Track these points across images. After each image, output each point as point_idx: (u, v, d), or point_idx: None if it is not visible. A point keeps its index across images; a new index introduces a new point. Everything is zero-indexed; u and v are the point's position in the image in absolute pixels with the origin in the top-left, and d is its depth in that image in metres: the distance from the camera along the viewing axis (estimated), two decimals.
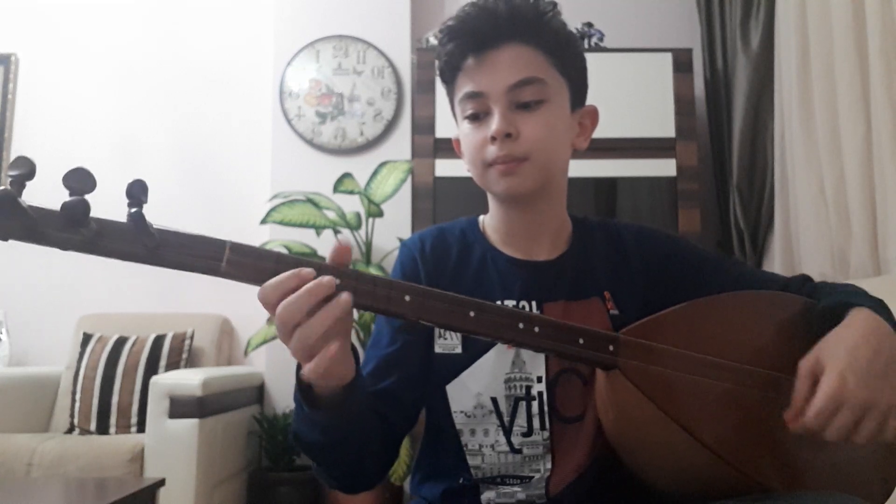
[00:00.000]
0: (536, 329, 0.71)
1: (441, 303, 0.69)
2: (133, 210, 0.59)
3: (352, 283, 0.65)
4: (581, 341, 0.74)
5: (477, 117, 0.88)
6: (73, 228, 0.58)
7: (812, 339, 0.79)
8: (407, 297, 0.67)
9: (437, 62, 0.93)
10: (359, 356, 0.73)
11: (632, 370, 0.75)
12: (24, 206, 0.56)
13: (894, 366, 0.77)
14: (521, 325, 0.71)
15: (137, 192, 0.59)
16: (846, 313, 0.81)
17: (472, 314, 0.69)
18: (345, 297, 0.63)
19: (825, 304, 0.85)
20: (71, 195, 0.57)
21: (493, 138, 0.85)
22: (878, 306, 0.83)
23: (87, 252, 0.59)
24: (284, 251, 2.72)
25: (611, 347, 0.75)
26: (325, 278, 0.62)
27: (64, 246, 0.58)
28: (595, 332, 0.75)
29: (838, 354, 0.75)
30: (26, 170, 0.57)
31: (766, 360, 0.81)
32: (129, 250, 0.60)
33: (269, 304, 0.62)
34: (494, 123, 0.85)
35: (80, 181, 0.57)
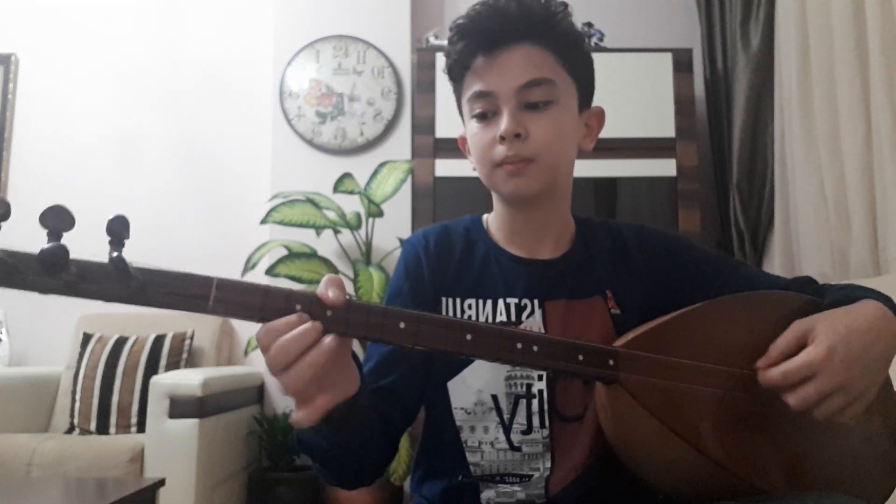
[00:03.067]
0: (535, 348, 0.71)
1: (436, 328, 0.68)
2: (114, 254, 0.58)
3: (343, 315, 0.64)
4: (580, 357, 0.73)
5: (485, 117, 0.88)
6: (52, 274, 0.56)
7: None
8: (401, 325, 0.66)
9: (445, 60, 0.92)
10: (360, 364, 0.73)
11: (632, 384, 0.74)
12: None
13: (884, 361, 0.77)
14: (519, 346, 0.70)
15: (119, 229, 0.58)
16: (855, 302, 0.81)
17: (468, 337, 0.68)
18: (328, 340, 0.62)
19: (833, 298, 0.85)
20: (49, 236, 0.55)
21: (502, 138, 0.85)
22: (887, 301, 0.83)
23: (70, 295, 0.58)
24: (284, 251, 2.74)
25: (611, 362, 0.74)
26: (310, 325, 0.62)
27: (45, 291, 0.57)
28: (595, 348, 0.75)
29: (836, 329, 0.75)
30: (1, 211, 0.55)
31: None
32: (112, 293, 0.58)
33: (264, 348, 0.63)
34: (503, 123, 0.85)
35: (57, 220, 0.55)
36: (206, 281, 0.62)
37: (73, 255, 0.57)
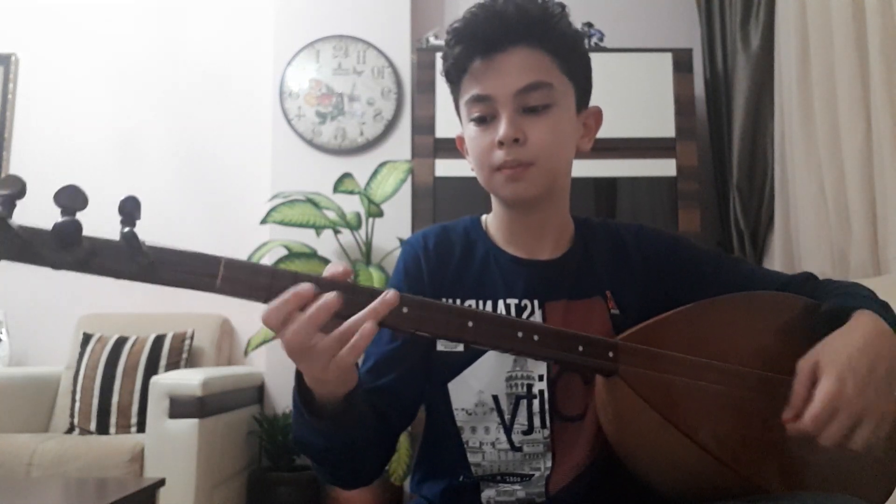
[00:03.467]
0: (536, 337, 0.71)
1: (439, 314, 0.68)
2: (126, 229, 0.59)
3: (348, 298, 0.64)
4: (581, 348, 0.73)
5: (483, 120, 0.87)
6: (65, 248, 0.57)
7: (813, 341, 0.79)
8: (404, 310, 0.66)
9: (442, 63, 0.92)
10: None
11: (632, 376, 0.75)
12: (14, 228, 0.56)
13: (891, 378, 0.76)
14: (520, 334, 0.71)
15: (130, 209, 0.59)
16: (850, 316, 0.81)
17: (470, 324, 0.69)
18: (390, 294, 0.64)
19: (828, 308, 0.85)
20: (62, 213, 0.56)
21: (501, 143, 0.85)
22: (883, 309, 0.83)
23: (81, 271, 0.59)
24: (284, 251, 2.74)
25: (610, 354, 0.75)
26: (330, 296, 0.62)
27: (57, 266, 0.58)
28: (595, 339, 0.75)
29: (839, 358, 0.75)
30: (16, 189, 0.56)
31: (766, 361, 0.81)
32: (122, 269, 0.59)
33: (274, 326, 0.62)
34: (502, 128, 0.84)
35: (71, 199, 0.57)
36: (215, 260, 0.63)
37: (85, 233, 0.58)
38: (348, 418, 0.72)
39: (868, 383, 0.73)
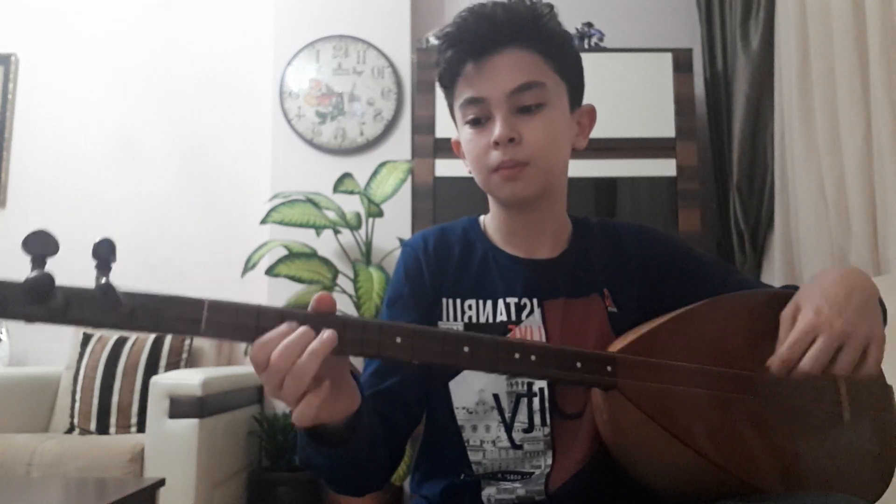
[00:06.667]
0: (533, 357, 0.71)
1: (433, 342, 0.68)
2: (102, 280, 0.57)
3: (339, 332, 0.63)
4: (579, 365, 0.73)
5: (478, 122, 0.88)
6: (38, 303, 0.55)
7: None
8: (398, 339, 0.66)
9: (436, 68, 0.93)
10: (359, 380, 0.73)
11: (631, 389, 0.75)
12: None
13: (872, 301, 0.78)
14: (517, 356, 0.70)
15: (105, 254, 0.57)
16: None
17: (466, 350, 0.68)
18: (328, 334, 0.62)
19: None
20: (33, 263, 0.55)
21: (496, 143, 0.85)
22: None
23: (57, 324, 0.57)
24: (284, 251, 2.74)
25: (609, 368, 0.75)
26: (306, 327, 0.61)
27: (30, 319, 0.56)
28: (592, 355, 0.75)
29: (812, 294, 0.78)
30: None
31: (764, 362, 0.81)
32: (100, 319, 0.57)
33: (260, 364, 0.61)
34: (497, 129, 0.85)
35: (42, 245, 0.55)
36: (198, 303, 0.61)
37: (59, 282, 0.55)
38: (352, 441, 0.72)
39: (844, 308, 0.75)
